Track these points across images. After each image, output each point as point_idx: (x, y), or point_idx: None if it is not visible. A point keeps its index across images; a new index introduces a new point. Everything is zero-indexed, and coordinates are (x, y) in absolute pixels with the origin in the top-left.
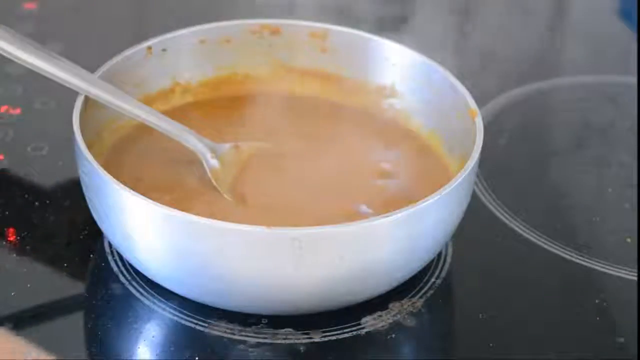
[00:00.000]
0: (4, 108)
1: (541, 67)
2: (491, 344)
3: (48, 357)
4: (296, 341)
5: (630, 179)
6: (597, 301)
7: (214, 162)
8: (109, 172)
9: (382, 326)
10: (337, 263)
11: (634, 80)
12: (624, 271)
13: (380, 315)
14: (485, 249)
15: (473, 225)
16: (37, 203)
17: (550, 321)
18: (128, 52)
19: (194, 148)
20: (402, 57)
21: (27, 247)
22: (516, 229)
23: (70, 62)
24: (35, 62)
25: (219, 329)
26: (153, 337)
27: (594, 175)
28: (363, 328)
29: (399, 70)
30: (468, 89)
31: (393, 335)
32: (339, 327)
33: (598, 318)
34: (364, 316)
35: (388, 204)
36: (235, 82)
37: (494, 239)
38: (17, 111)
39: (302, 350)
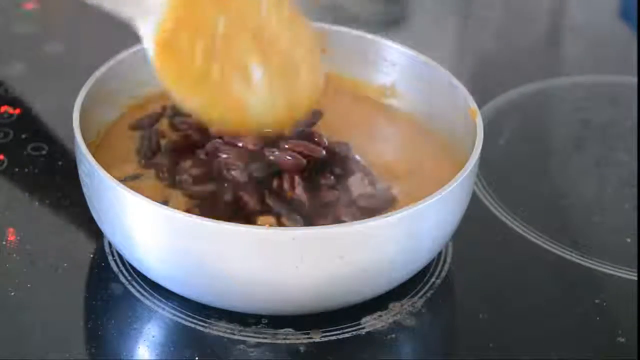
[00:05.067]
0: (4, 108)
1: (541, 67)
2: (491, 344)
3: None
4: (296, 341)
5: (630, 179)
6: (597, 301)
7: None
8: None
9: (382, 326)
10: (337, 263)
11: (634, 80)
12: (624, 271)
13: (380, 315)
14: (485, 249)
15: (473, 225)
16: (37, 203)
17: (550, 321)
18: (128, 52)
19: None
20: (402, 57)
21: (27, 247)
22: (516, 229)
23: None
24: None
25: (219, 329)
26: (153, 337)
27: (594, 175)
28: (363, 328)
29: (399, 70)
30: (468, 89)
31: (393, 335)
32: (339, 327)
33: (598, 318)
34: (364, 316)
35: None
36: None
37: (494, 239)
38: (17, 111)
39: (302, 350)
